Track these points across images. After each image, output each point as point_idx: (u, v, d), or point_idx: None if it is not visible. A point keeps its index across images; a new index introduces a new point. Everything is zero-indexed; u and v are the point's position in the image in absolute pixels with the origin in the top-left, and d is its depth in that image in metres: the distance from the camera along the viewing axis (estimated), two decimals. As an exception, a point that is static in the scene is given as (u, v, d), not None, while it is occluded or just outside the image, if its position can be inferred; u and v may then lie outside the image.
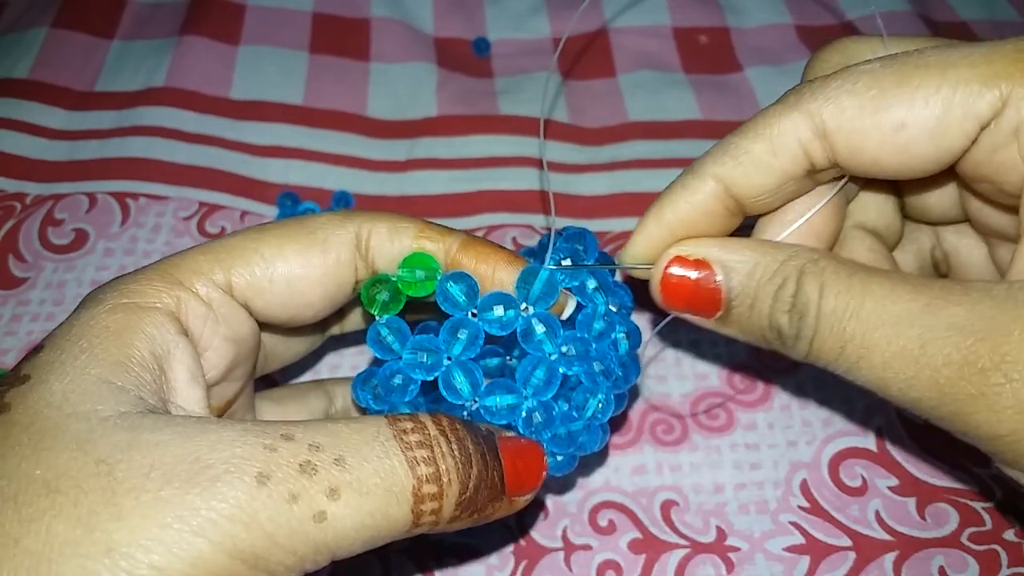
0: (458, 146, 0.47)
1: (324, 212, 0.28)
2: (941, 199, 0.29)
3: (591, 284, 0.27)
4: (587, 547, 0.34)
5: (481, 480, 0.22)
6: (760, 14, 0.55)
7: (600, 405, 0.27)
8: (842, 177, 0.26)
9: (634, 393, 0.37)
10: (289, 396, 0.31)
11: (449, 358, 0.26)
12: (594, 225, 0.44)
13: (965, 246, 0.30)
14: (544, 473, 0.24)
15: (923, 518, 0.34)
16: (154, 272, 0.24)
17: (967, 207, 0.28)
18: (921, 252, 0.31)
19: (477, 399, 0.26)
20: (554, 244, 0.27)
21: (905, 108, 0.22)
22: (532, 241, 0.43)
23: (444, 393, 0.26)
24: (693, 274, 0.25)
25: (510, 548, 0.33)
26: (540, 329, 0.26)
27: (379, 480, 0.20)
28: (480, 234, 0.44)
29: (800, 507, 0.35)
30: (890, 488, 0.35)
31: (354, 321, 0.32)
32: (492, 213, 0.45)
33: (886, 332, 0.22)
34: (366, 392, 0.27)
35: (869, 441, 0.36)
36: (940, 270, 0.31)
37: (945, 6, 0.56)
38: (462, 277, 0.26)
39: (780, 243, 0.26)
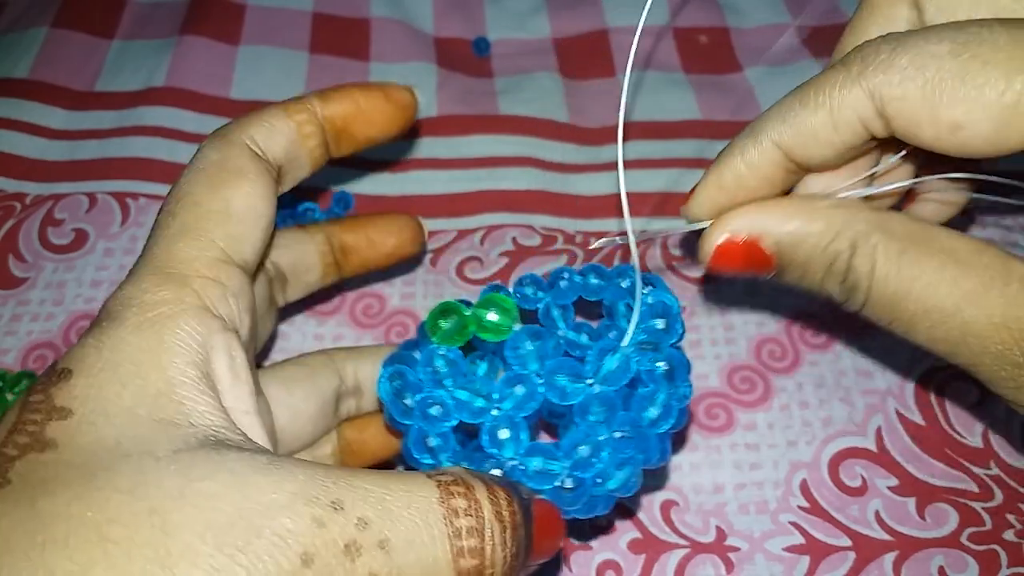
0: (458, 146, 0.47)
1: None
2: None
3: (661, 366, 0.26)
4: (587, 547, 0.34)
5: (519, 556, 0.21)
6: (760, 14, 0.55)
7: (623, 482, 0.26)
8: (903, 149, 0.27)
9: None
10: (295, 377, 0.30)
11: (498, 408, 0.25)
12: (594, 225, 0.44)
13: None
14: (563, 534, 0.24)
15: (923, 518, 0.34)
16: (153, 275, 0.22)
17: None
18: None
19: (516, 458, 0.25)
20: (637, 316, 0.26)
21: (964, 111, 0.22)
22: (533, 241, 0.43)
23: (485, 443, 0.25)
24: (742, 247, 0.26)
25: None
26: (599, 411, 0.25)
27: (419, 572, 0.19)
28: (480, 234, 0.44)
29: (800, 507, 0.35)
30: (890, 488, 0.35)
31: (296, 290, 0.33)
32: (492, 213, 0.45)
33: (930, 318, 0.23)
34: (391, 388, 0.26)
35: (869, 441, 0.36)
36: None
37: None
38: (538, 335, 0.26)
39: (834, 209, 0.25)
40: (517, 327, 0.26)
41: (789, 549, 0.34)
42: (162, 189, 0.44)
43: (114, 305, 0.22)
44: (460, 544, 0.20)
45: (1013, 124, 0.21)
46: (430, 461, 0.26)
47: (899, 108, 0.23)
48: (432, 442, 0.25)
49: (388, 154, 0.47)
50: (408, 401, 0.25)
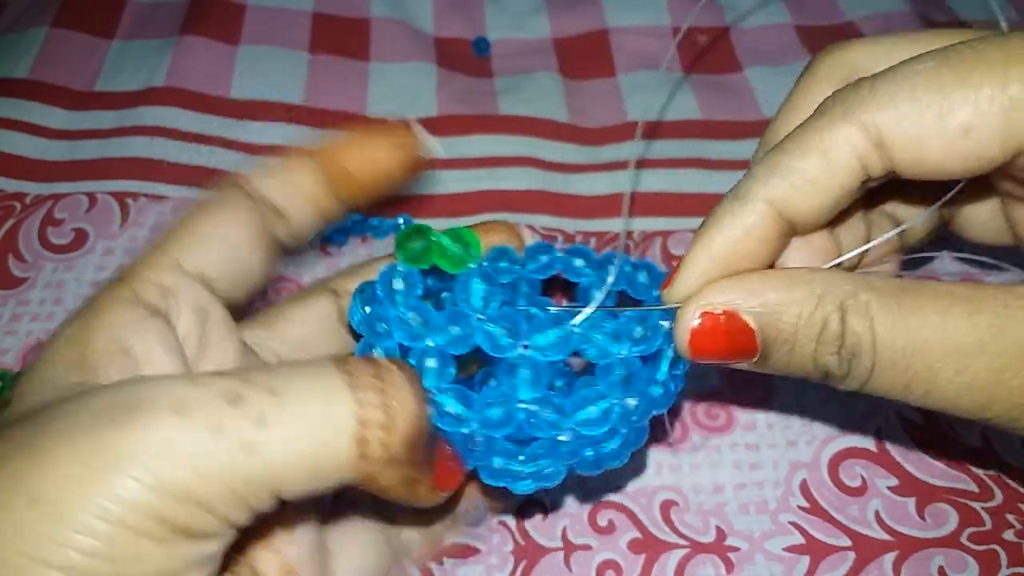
0: (458, 146, 0.47)
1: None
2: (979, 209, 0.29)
3: (638, 331, 0.25)
4: (587, 547, 0.34)
5: (425, 430, 0.22)
6: (760, 14, 0.55)
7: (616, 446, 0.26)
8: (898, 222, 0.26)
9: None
10: (281, 313, 0.30)
11: (432, 341, 0.25)
12: (594, 225, 0.44)
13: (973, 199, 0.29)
14: (461, 479, 0.25)
15: (923, 518, 0.34)
16: (111, 283, 0.25)
17: (1009, 214, 0.27)
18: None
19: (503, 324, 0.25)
20: (609, 283, 0.26)
21: (971, 110, 0.21)
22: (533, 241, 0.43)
23: (458, 296, 0.26)
24: (720, 323, 0.24)
25: (510, 548, 0.33)
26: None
27: (315, 406, 0.20)
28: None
29: (800, 507, 0.35)
30: (890, 488, 0.35)
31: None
32: (492, 213, 0.45)
33: (955, 363, 0.21)
34: (358, 300, 0.26)
35: (869, 441, 0.36)
36: (944, 218, 0.30)
37: (945, 6, 0.56)
38: (489, 279, 0.26)
39: (810, 275, 0.23)
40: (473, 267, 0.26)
41: (789, 549, 0.34)
42: (162, 189, 0.44)
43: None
44: (356, 379, 0.20)
45: (1019, 114, 0.21)
46: None
47: (899, 131, 0.22)
48: (377, 355, 0.25)
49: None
50: (367, 309, 0.26)
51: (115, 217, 0.43)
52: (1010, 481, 0.35)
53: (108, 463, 0.18)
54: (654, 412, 0.26)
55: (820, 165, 0.23)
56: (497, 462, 0.25)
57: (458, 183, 0.46)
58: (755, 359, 0.24)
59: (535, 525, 0.34)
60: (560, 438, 0.25)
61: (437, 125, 0.48)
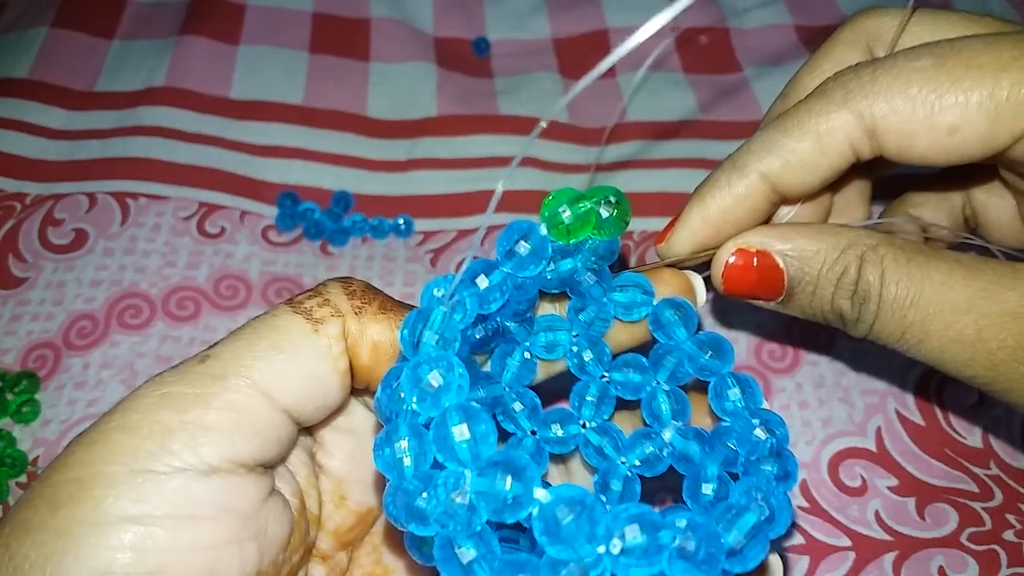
0: (458, 146, 0.47)
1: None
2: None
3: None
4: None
5: (375, 288, 0.24)
6: (760, 14, 0.55)
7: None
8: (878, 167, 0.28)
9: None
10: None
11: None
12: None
13: (994, 205, 0.31)
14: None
15: (923, 518, 0.34)
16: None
17: (1007, 178, 0.29)
18: (953, 210, 0.32)
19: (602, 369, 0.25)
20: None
21: (959, 113, 0.23)
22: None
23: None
24: (754, 263, 0.26)
25: (510, 548, 0.33)
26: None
27: (255, 322, 0.23)
28: (480, 234, 0.43)
29: (800, 507, 0.35)
30: (890, 488, 0.35)
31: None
32: (492, 213, 0.44)
33: (944, 318, 0.24)
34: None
35: (869, 441, 0.36)
36: (970, 225, 0.32)
37: (948, 6, 0.56)
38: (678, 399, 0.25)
39: (838, 229, 0.26)
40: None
41: (789, 549, 0.34)
42: (162, 189, 0.44)
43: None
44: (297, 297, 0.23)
45: (1003, 121, 0.22)
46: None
47: (891, 123, 0.24)
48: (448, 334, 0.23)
49: (388, 154, 0.47)
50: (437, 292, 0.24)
51: (115, 217, 0.43)
52: (1010, 481, 0.35)
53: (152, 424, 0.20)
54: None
55: (813, 147, 0.25)
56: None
57: (458, 183, 0.46)
58: (780, 298, 0.26)
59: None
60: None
61: (437, 125, 0.48)
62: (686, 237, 0.27)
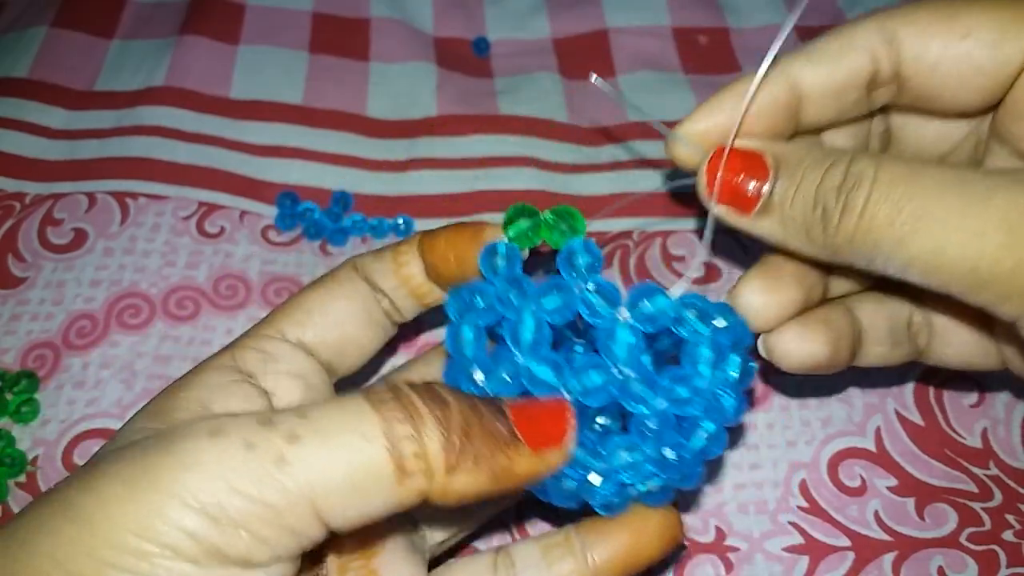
0: (458, 146, 0.47)
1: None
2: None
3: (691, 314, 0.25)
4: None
5: (472, 425, 0.21)
6: (760, 14, 0.55)
7: (709, 437, 0.25)
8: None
9: (734, 437, 0.36)
10: (313, 304, 0.30)
11: (534, 310, 0.25)
12: (594, 226, 0.44)
13: (912, 125, 0.30)
14: (571, 423, 0.23)
15: (922, 518, 0.34)
16: (217, 352, 0.27)
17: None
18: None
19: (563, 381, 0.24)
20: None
21: (972, 19, 0.24)
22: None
23: (509, 341, 0.25)
24: (744, 153, 0.26)
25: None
26: (653, 424, 0.25)
27: (343, 423, 0.20)
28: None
29: (799, 507, 0.35)
30: (889, 488, 0.35)
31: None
32: (492, 213, 0.45)
33: (948, 190, 0.22)
34: (457, 303, 0.26)
35: (868, 441, 0.36)
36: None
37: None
38: (591, 250, 0.26)
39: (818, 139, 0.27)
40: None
41: (788, 549, 0.34)
42: (162, 189, 0.44)
43: None
44: (378, 397, 0.21)
45: (1014, 29, 0.24)
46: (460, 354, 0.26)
47: (909, 30, 0.25)
48: (466, 334, 0.25)
49: (388, 154, 0.47)
50: (464, 295, 0.26)
51: (115, 217, 0.43)
52: (1010, 481, 0.35)
53: (147, 484, 0.19)
54: (738, 413, 0.25)
55: (838, 45, 0.26)
56: (671, 452, 0.25)
57: (458, 183, 0.46)
58: (760, 203, 0.25)
59: (534, 525, 0.34)
60: (647, 423, 0.24)
61: (437, 125, 0.48)
62: (700, 120, 0.27)
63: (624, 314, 0.25)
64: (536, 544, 0.28)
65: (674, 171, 0.28)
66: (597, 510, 0.26)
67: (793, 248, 0.26)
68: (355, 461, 0.20)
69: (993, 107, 0.26)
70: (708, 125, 0.27)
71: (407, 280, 0.29)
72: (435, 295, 0.29)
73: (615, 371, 0.24)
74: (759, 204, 0.25)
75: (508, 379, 0.25)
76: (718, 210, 0.26)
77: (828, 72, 0.26)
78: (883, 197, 0.23)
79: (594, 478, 0.25)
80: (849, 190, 0.23)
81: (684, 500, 0.35)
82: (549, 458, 0.23)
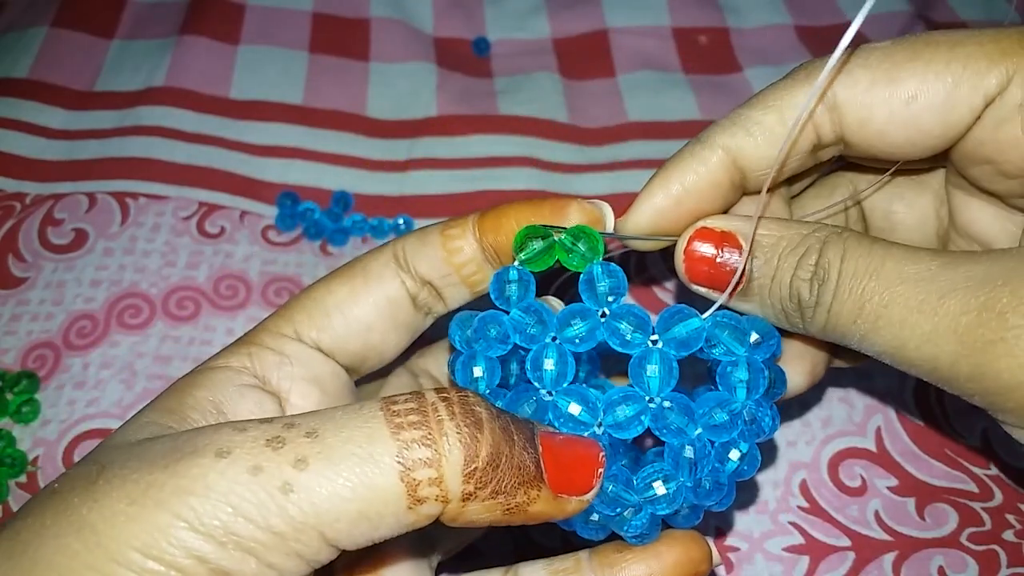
0: (458, 146, 0.47)
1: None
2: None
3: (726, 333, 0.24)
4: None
5: (502, 455, 0.20)
6: (760, 14, 0.55)
7: (743, 458, 0.24)
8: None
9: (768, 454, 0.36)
10: (367, 390, 0.30)
11: (555, 338, 0.24)
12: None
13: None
14: (600, 473, 0.22)
15: (922, 518, 0.34)
16: (235, 343, 0.26)
17: (954, 212, 0.28)
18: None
19: (599, 415, 0.23)
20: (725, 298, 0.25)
21: (917, 82, 0.23)
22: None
23: (530, 375, 0.24)
24: (711, 251, 0.25)
25: (509, 548, 0.33)
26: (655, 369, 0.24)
27: (353, 447, 0.19)
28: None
29: (799, 507, 0.35)
30: (889, 488, 0.35)
31: (456, 298, 0.28)
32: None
33: (905, 289, 0.22)
34: (462, 332, 0.25)
35: (868, 441, 0.36)
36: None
37: (945, 6, 0.56)
38: (613, 273, 0.24)
39: (803, 220, 0.25)
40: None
41: (789, 549, 0.34)
42: (162, 189, 0.44)
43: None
44: (398, 419, 0.20)
45: (961, 90, 0.23)
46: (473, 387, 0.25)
47: (850, 95, 0.24)
48: (478, 365, 0.25)
49: (388, 154, 0.47)
50: (473, 324, 0.25)
51: (115, 217, 0.43)
52: (1010, 481, 0.35)
53: (152, 501, 0.18)
54: (768, 430, 0.25)
55: (776, 120, 0.25)
56: (707, 477, 0.24)
57: (458, 183, 0.46)
58: (740, 287, 0.25)
59: (534, 526, 0.34)
60: (686, 452, 0.23)
61: (437, 125, 0.48)
62: (647, 211, 0.26)
63: (654, 339, 0.24)
64: (545, 569, 0.26)
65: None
66: (628, 540, 0.25)
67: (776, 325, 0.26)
68: (364, 488, 0.19)
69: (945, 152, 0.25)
70: (653, 215, 0.26)
71: (460, 267, 0.27)
72: (487, 284, 0.27)
73: (647, 401, 0.23)
74: (739, 288, 0.25)
75: (530, 415, 0.24)
76: (698, 290, 0.26)
77: (769, 149, 0.25)
78: (847, 293, 0.23)
79: (627, 512, 0.24)
80: (820, 283, 0.23)
81: (718, 517, 0.35)
82: (567, 506, 0.21)
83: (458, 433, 0.20)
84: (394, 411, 0.20)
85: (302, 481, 0.19)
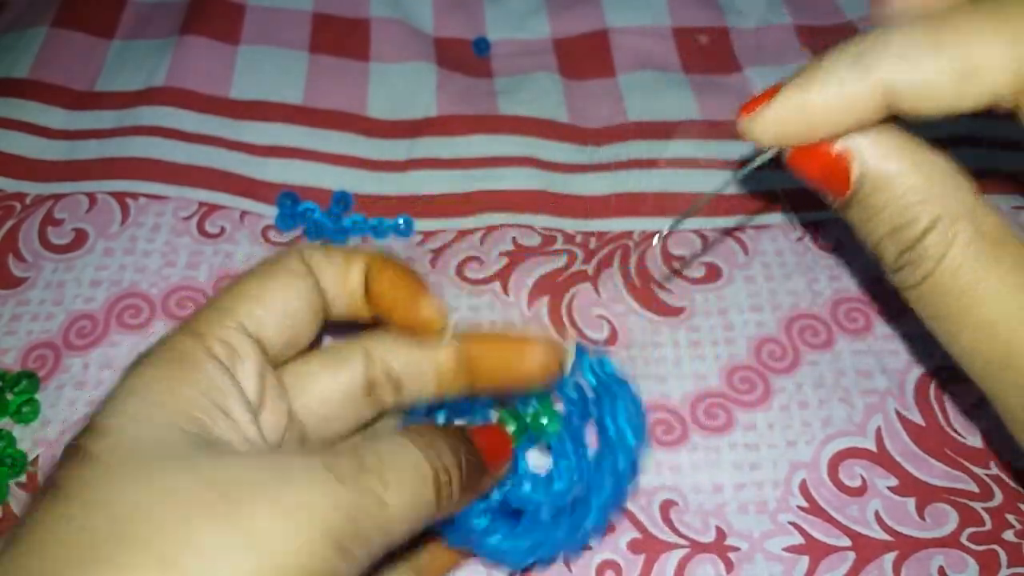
0: (458, 146, 0.47)
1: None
2: None
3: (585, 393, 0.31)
4: (586, 547, 0.34)
5: (471, 466, 0.26)
6: (760, 14, 0.55)
7: (599, 509, 0.29)
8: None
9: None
10: (321, 367, 0.29)
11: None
12: (594, 225, 0.44)
13: None
14: (511, 447, 0.29)
15: (923, 518, 0.34)
16: (182, 332, 0.26)
17: None
18: None
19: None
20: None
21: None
22: (533, 241, 0.43)
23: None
24: (831, 157, 0.23)
25: (510, 548, 0.33)
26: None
27: (412, 471, 0.24)
28: (480, 234, 0.43)
29: (799, 507, 0.35)
30: (889, 488, 0.35)
31: (410, 395, 0.30)
32: (492, 213, 0.45)
33: (983, 329, 0.22)
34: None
35: (869, 441, 0.36)
36: None
37: (945, 6, 0.56)
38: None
39: (939, 166, 0.23)
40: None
41: (789, 549, 0.34)
42: (162, 189, 0.44)
43: (148, 348, 0.26)
44: (427, 451, 0.25)
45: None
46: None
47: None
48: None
49: (388, 154, 0.47)
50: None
51: (115, 217, 0.43)
52: (1010, 481, 0.35)
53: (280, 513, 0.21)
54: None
55: (955, 69, 0.21)
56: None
57: (458, 183, 0.46)
58: (835, 201, 0.24)
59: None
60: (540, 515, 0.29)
61: (437, 125, 0.48)
62: (773, 120, 0.23)
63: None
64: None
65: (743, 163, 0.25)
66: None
67: None
68: (421, 503, 0.24)
69: None
70: (777, 127, 0.23)
71: (351, 293, 0.28)
72: (369, 315, 0.29)
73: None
74: (840, 203, 0.24)
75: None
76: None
77: (942, 102, 0.21)
78: (935, 291, 0.22)
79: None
80: (909, 264, 0.22)
81: (718, 517, 0.35)
82: (500, 472, 0.28)
83: (454, 457, 0.26)
84: (420, 444, 0.25)
85: (389, 497, 0.23)
